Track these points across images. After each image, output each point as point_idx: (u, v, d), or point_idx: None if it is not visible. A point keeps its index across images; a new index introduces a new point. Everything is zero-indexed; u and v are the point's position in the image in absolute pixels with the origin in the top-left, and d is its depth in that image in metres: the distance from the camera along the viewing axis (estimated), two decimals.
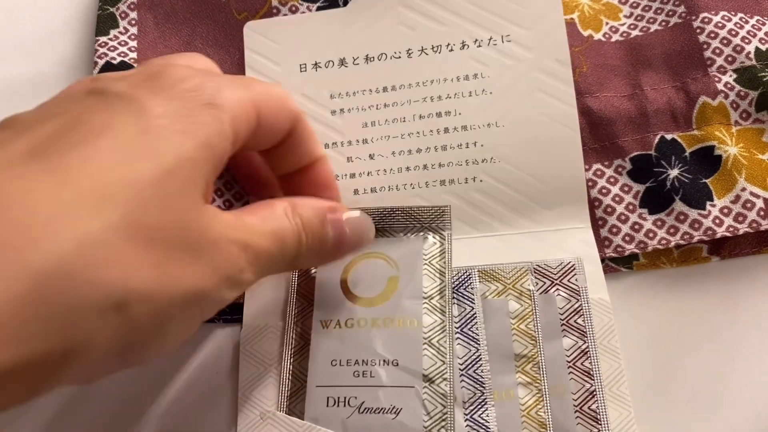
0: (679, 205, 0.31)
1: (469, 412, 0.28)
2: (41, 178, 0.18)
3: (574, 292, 0.30)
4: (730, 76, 0.32)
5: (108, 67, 0.36)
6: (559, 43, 0.33)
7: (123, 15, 0.38)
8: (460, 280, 0.30)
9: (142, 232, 0.18)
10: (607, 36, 0.35)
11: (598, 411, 0.28)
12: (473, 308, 0.30)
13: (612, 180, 0.32)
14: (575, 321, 0.29)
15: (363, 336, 0.28)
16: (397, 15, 0.34)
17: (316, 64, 0.34)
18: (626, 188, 0.32)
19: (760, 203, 0.30)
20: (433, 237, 0.31)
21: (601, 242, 0.31)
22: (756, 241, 0.31)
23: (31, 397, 0.18)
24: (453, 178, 0.32)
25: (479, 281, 0.30)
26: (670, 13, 0.35)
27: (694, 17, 0.34)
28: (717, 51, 0.33)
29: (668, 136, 0.32)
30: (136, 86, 0.21)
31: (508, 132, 0.32)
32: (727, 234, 0.30)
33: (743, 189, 0.30)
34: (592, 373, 0.28)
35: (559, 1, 0.33)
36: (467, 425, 0.28)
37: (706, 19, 0.34)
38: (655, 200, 0.31)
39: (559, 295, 0.30)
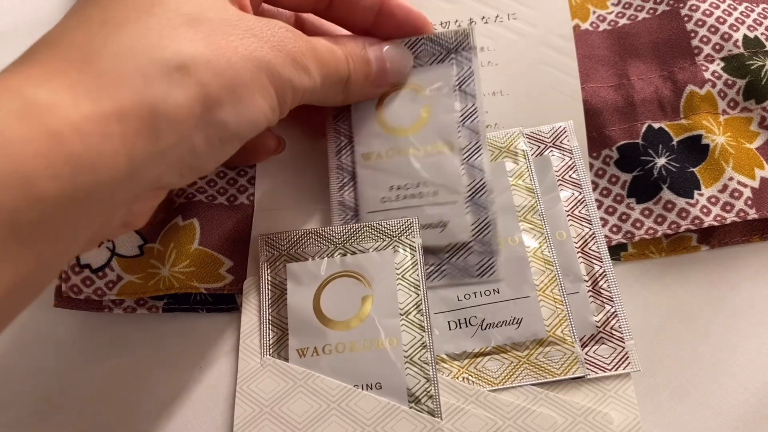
0: (666, 194, 0.31)
1: (465, 158, 0.30)
2: None
3: (567, 152, 0.32)
4: (718, 64, 0.32)
5: None
6: (563, 20, 0.34)
7: None
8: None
9: (183, 18, 0.22)
10: (594, 25, 0.35)
11: (599, 251, 0.30)
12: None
13: (600, 172, 0.32)
14: (570, 176, 0.31)
15: (342, 362, 0.28)
16: None
17: None
18: (614, 179, 0.32)
19: (747, 192, 0.30)
20: (404, 250, 0.30)
21: None
22: (745, 230, 0.31)
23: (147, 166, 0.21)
24: None
25: None
26: (658, 0, 0.35)
27: (681, 4, 0.34)
28: (704, 39, 0.33)
29: (655, 125, 0.32)
30: None
31: (512, 100, 0.33)
32: (715, 223, 0.30)
33: (731, 178, 0.30)
34: (590, 219, 0.30)
35: None
36: (463, 168, 0.30)
37: (694, 7, 0.33)
38: (643, 189, 0.31)
39: (553, 155, 0.32)
